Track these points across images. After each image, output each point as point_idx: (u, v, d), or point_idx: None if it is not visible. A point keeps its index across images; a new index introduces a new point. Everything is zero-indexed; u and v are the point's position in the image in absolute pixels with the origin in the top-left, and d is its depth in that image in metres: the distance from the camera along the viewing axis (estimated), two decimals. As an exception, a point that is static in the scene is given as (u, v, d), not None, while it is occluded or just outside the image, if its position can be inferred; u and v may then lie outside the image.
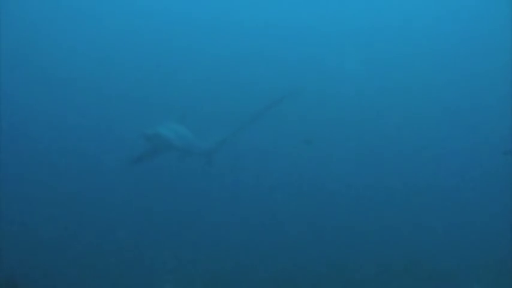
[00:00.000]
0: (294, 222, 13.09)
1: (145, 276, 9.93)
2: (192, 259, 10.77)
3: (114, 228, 12.23)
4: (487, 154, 17.59)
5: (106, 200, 14.14)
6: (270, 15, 25.14)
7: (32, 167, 16.18)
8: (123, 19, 24.54)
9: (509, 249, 10.55)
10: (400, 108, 21.27)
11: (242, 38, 24.41)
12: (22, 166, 16.15)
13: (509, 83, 20.35)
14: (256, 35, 24.48)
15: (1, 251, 10.23)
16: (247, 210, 13.78)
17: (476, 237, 11.65)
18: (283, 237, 12.24)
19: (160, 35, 24.68)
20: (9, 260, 9.81)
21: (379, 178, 16.74)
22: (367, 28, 24.51)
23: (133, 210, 13.58)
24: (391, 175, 16.87)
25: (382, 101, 21.46)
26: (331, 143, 18.27)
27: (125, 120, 17.93)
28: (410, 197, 15.13)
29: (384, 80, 22.49)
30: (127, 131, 14.80)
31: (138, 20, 24.81)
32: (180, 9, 25.58)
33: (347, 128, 19.58)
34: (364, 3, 25.42)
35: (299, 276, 10.00)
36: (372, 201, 15.02)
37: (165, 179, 14.68)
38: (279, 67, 22.33)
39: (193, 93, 19.96)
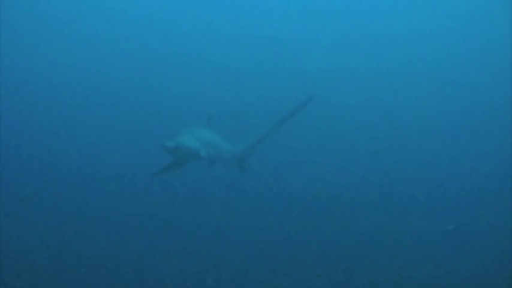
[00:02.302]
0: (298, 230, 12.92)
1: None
2: (210, 267, 10.56)
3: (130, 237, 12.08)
4: (488, 159, 17.86)
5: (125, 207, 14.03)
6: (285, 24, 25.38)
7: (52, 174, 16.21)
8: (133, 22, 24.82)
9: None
10: (399, 109, 21.39)
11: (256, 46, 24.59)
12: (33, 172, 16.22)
13: (509, 84, 20.67)
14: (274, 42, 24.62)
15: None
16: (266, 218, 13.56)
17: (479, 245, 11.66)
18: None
19: (165, 37, 25.01)
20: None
21: (374, 184, 16.60)
22: (368, 31, 24.71)
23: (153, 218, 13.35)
24: (389, 181, 16.79)
25: (380, 104, 21.53)
26: (335, 146, 18.65)
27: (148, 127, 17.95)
28: (407, 204, 15.03)
29: (384, 82, 22.59)
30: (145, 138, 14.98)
31: (143, 22, 25.11)
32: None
33: (345, 132, 19.55)
34: (364, 4, 25.74)
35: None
36: (369, 209, 14.73)
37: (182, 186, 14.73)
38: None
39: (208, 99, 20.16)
